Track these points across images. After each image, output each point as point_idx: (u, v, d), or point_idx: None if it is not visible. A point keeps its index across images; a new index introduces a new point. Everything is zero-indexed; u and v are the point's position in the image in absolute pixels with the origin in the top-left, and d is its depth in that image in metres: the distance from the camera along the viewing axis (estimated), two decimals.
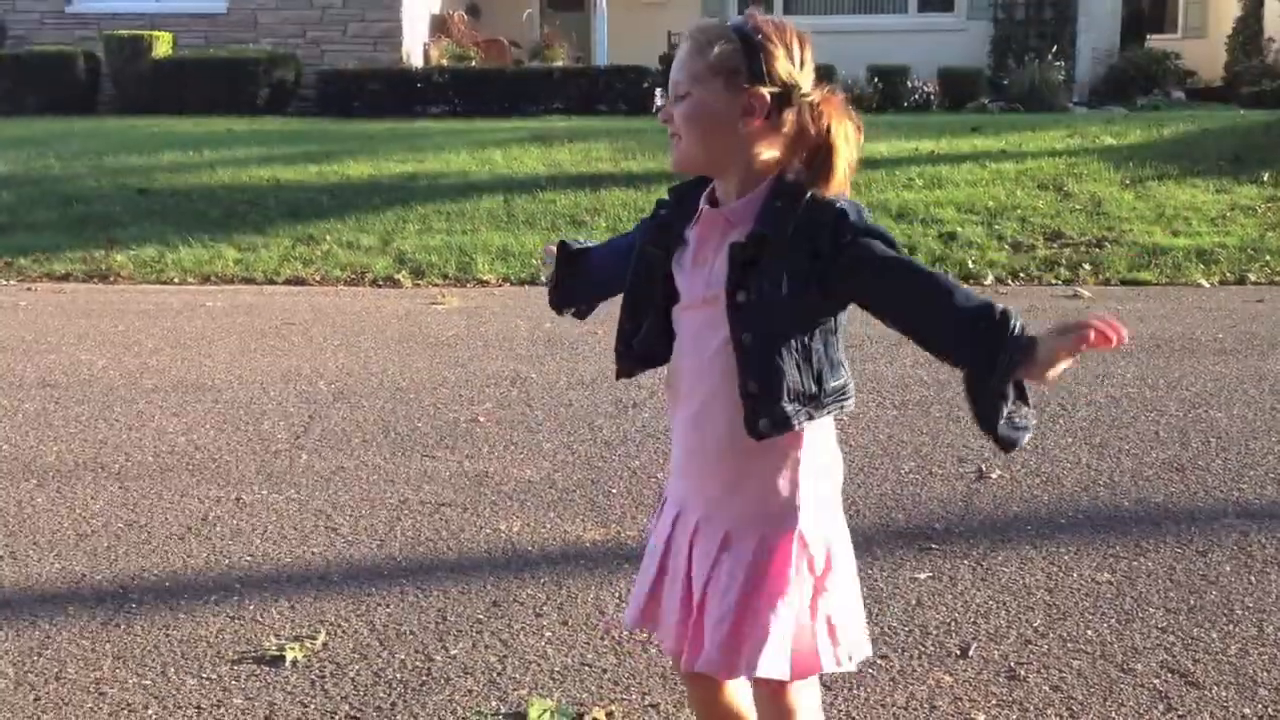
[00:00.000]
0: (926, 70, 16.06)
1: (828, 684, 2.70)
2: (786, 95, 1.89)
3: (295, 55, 16.00)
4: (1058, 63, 16.31)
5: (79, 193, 9.91)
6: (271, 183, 10.10)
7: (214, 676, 2.91)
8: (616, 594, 3.32)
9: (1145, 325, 6.51)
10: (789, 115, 1.90)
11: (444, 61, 16.44)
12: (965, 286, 1.87)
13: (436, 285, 7.95)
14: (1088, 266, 7.96)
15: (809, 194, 1.89)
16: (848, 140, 1.91)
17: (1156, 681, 2.85)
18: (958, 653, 2.99)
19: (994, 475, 4.23)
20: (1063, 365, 1.76)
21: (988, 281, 7.79)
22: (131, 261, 8.39)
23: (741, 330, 1.90)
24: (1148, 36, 20.08)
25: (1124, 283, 7.75)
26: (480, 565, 3.54)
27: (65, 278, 8.19)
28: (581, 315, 2.30)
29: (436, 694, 2.81)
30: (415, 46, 16.99)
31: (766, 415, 1.89)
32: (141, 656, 3.01)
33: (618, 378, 2.20)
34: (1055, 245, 8.39)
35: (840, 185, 1.90)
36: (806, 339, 1.90)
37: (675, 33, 16.98)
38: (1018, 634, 3.09)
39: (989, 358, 1.78)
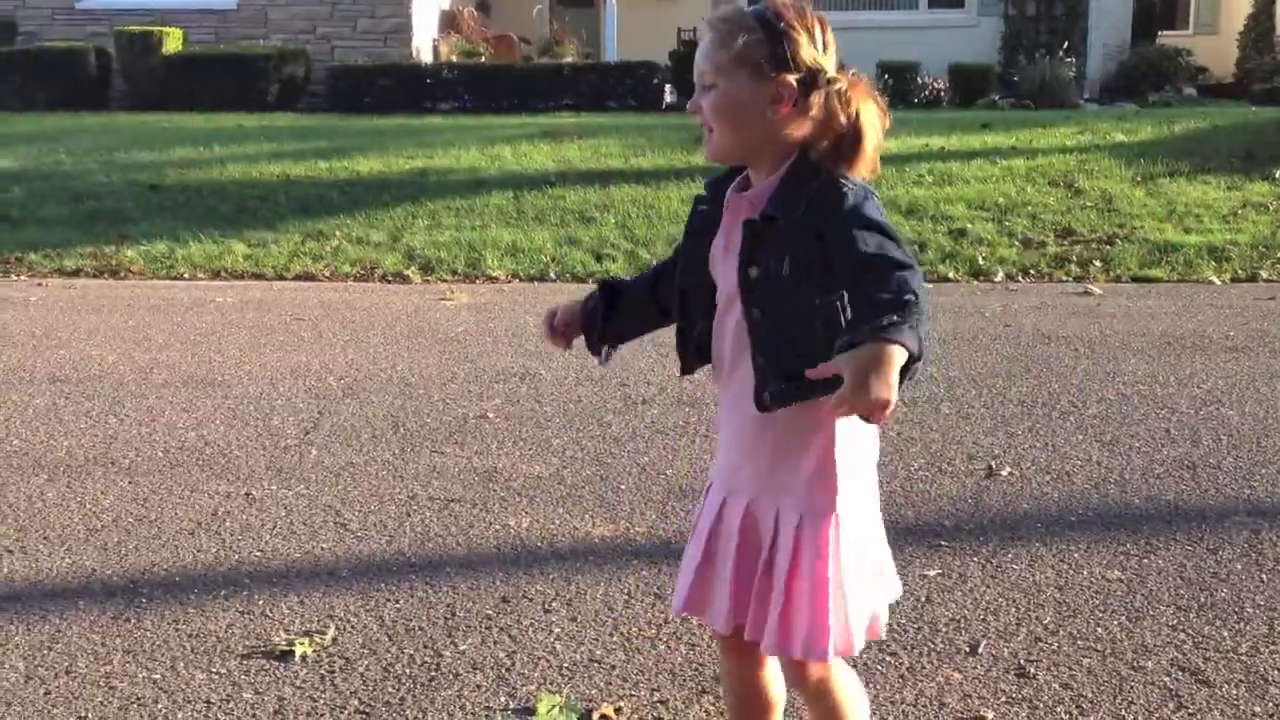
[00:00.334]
0: (937, 67, 16.03)
1: None
2: (812, 79, 1.91)
3: (305, 51, 16.01)
4: (1069, 59, 16.27)
5: (90, 188, 9.92)
6: (281, 179, 10.11)
7: (223, 671, 2.92)
8: (625, 590, 3.32)
9: (1156, 322, 6.49)
10: (815, 99, 1.91)
11: (454, 57, 16.45)
12: (917, 304, 1.76)
13: (446, 281, 7.95)
14: (1098, 263, 7.93)
15: (822, 175, 1.90)
16: (874, 124, 1.92)
17: (1167, 679, 2.84)
18: (967, 650, 2.98)
19: (1004, 472, 4.22)
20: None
21: (998, 278, 7.77)
22: (142, 257, 8.40)
23: (752, 305, 1.93)
24: (1159, 33, 20.03)
25: (1135, 280, 7.72)
26: (489, 561, 3.54)
27: (76, 273, 8.20)
28: (606, 359, 2.25)
29: (445, 689, 2.82)
30: (425, 42, 17.00)
31: (770, 389, 1.92)
32: (151, 651, 3.02)
33: (681, 375, 2.21)
34: (1066, 242, 8.36)
35: (869, 167, 1.93)
36: (808, 319, 1.90)
37: (685, 29, 16.99)
38: (1027, 631, 3.08)
39: (854, 323, 1.75)
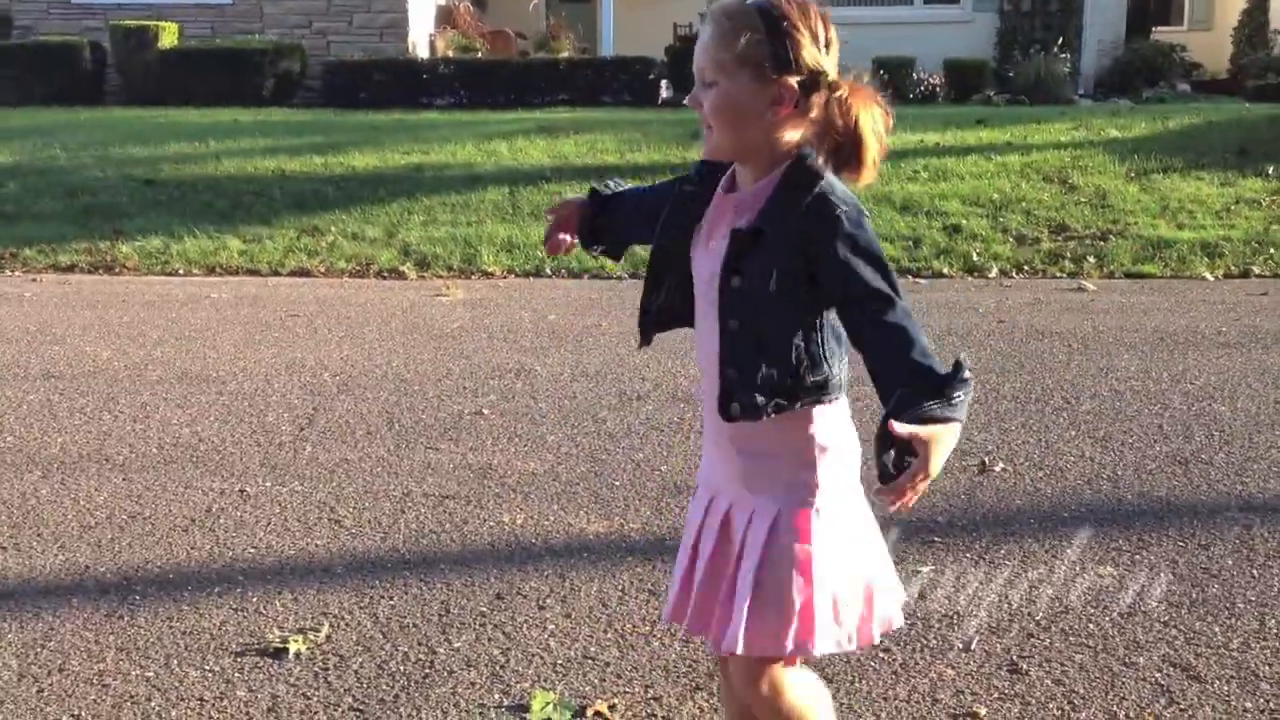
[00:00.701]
0: (932, 62, 16.02)
1: (829, 676, 2.71)
2: (813, 81, 1.88)
3: (301, 46, 15.98)
4: (1063, 55, 16.26)
5: (84, 183, 9.91)
6: (277, 174, 10.10)
7: (217, 669, 2.92)
8: (620, 587, 3.33)
9: (1149, 318, 6.50)
10: (816, 100, 1.89)
11: (450, 53, 16.43)
12: (924, 339, 1.88)
13: (441, 277, 7.95)
14: (1092, 259, 7.95)
15: (817, 189, 1.88)
16: (875, 131, 1.89)
17: (1158, 675, 2.85)
18: (960, 646, 2.99)
19: (997, 468, 4.23)
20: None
21: (992, 274, 7.78)
22: (137, 252, 8.40)
23: (728, 316, 1.93)
24: (1153, 29, 20.02)
25: (1128, 275, 7.74)
26: (484, 558, 3.55)
27: (70, 269, 8.20)
28: (614, 256, 2.35)
29: (439, 686, 2.82)
30: (421, 37, 16.98)
31: (737, 401, 1.93)
32: (145, 648, 3.02)
33: (639, 347, 2.22)
34: (1060, 238, 8.38)
35: (868, 176, 1.91)
36: (789, 334, 1.91)
37: (681, 24, 16.96)
38: (1020, 627, 3.09)
39: (899, 409, 1.84)
